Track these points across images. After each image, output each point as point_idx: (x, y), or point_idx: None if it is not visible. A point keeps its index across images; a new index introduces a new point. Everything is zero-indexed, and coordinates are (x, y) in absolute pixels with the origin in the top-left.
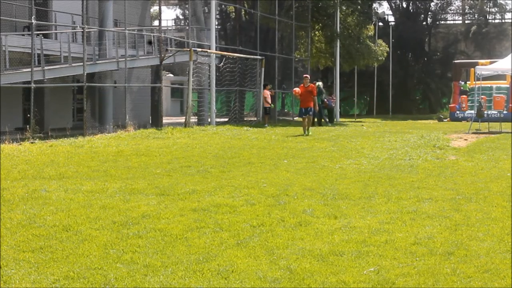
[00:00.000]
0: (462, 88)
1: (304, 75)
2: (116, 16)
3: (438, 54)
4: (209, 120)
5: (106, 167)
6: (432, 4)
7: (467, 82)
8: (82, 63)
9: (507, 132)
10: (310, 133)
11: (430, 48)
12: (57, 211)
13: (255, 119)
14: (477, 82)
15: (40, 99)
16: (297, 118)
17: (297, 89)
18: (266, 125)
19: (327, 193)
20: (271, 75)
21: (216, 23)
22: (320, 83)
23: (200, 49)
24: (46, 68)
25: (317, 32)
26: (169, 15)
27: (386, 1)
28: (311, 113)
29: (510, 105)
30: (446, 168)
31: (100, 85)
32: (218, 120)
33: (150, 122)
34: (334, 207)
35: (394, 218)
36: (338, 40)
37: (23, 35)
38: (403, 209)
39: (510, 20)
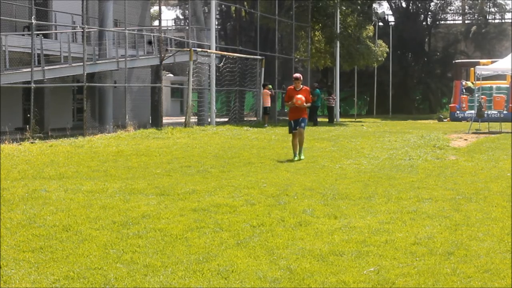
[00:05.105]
0: (470, 87)
1: (295, 76)
2: (116, 16)
3: (438, 54)
4: (209, 120)
5: (106, 167)
6: (432, 4)
7: (467, 82)
8: (82, 63)
9: (507, 132)
10: (302, 157)
11: (430, 48)
12: (57, 211)
13: (255, 119)
14: (477, 82)
15: (40, 99)
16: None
17: (300, 97)
18: (266, 125)
19: (327, 193)
20: (271, 75)
21: (216, 23)
22: None
23: (200, 49)
24: (46, 68)
25: (317, 32)
26: (169, 15)
27: (386, 1)
28: (303, 124)
29: (510, 105)
30: (446, 168)
31: (100, 85)
32: (218, 120)
33: (150, 122)
34: (334, 207)
35: (394, 218)
36: (338, 40)
37: (23, 35)
38: (403, 209)
39: (510, 20)
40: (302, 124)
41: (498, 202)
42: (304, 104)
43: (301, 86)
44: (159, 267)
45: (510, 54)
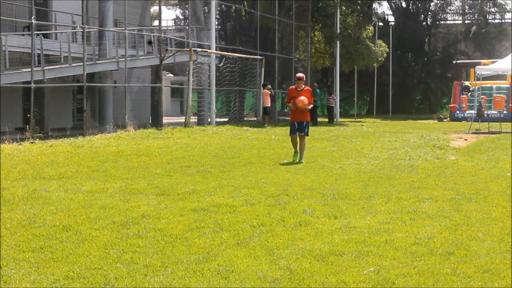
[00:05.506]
0: (468, 86)
1: (298, 75)
2: (116, 16)
3: (438, 54)
4: (209, 120)
5: (106, 167)
6: (432, 4)
7: (465, 82)
8: (82, 63)
9: (507, 132)
10: (303, 161)
11: (430, 48)
12: (57, 211)
13: (255, 119)
14: (477, 82)
15: (40, 99)
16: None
17: (303, 99)
18: (266, 125)
19: (327, 193)
20: (271, 75)
21: (216, 23)
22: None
23: (200, 49)
24: (46, 68)
25: (316, 32)
26: (169, 15)
27: (386, 1)
28: (307, 130)
29: (510, 105)
30: (446, 168)
31: (100, 85)
32: (218, 120)
33: (150, 122)
34: (334, 207)
35: (394, 218)
36: (338, 40)
37: (23, 35)
38: (403, 209)
39: (510, 20)
40: (306, 130)
41: (498, 202)
42: (306, 106)
43: (303, 86)
44: (159, 267)
45: (510, 54)
